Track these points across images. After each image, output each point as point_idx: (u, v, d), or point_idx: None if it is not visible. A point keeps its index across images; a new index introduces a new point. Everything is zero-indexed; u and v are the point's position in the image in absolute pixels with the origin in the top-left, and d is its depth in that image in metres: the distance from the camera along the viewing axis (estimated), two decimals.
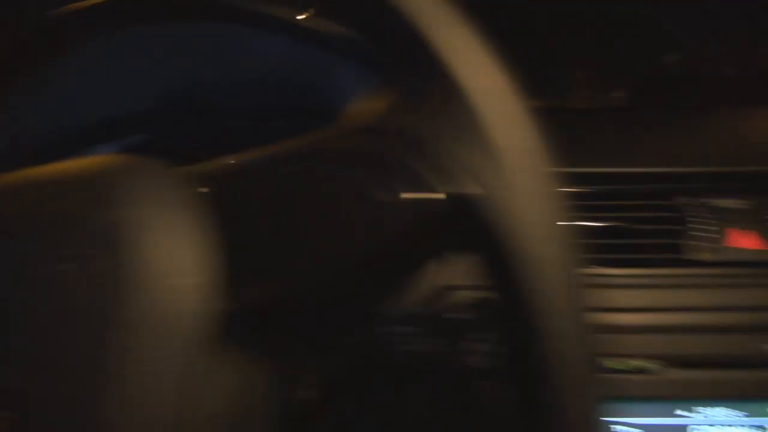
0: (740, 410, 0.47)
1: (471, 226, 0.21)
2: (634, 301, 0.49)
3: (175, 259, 0.21)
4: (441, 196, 0.21)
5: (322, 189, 0.23)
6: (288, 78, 0.65)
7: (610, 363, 0.47)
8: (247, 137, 0.66)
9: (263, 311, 0.22)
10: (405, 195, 0.21)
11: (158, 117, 0.70)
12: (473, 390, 0.34)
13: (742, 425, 0.47)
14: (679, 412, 0.48)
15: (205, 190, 0.23)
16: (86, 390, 0.19)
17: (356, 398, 0.33)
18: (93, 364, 0.20)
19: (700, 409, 0.48)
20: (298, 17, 0.43)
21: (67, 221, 0.21)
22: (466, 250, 0.22)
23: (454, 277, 0.33)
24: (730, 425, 0.47)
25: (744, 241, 0.52)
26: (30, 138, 0.64)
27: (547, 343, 0.20)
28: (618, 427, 0.47)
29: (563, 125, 0.70)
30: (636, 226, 0.52)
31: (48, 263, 0.20)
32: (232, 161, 0.25)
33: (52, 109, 0.64)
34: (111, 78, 0.63)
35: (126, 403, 0.19)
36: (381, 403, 0.36)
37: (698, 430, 0.47)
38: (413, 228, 0.21)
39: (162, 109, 0.69)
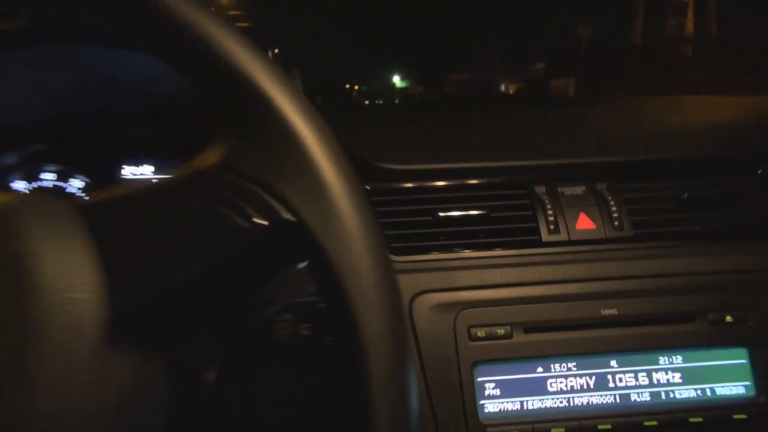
0: (586, 365, 0.56)
1: (291, 244, 0.27)
2: (499, 278, 0.58)
3: (70, 277, 0.26)
4: (265, 222, 0.27)
5: (182, 214, 0.28)
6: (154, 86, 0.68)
7: (480, 332, 0.55)
8: (128, 143, 0.69)
9: (147, 314, 0.28)
10: (241, 222, 0.27)
11: (50, 127, 0.71)
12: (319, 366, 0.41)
13: (589, 375, 0.56)
14: (539, 369, 0.56)
15: (90, 219, 0.28)
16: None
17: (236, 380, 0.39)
18: (9, 368, 0.25)
19: (556, 365, 0.56)
20: None
21: None
22: (295, 261, 0.29)
23: (297, 279, 0.39)
24: (579, 376, 0.56)
25: (588, 222, 0.61)
26: None
27: (362, 327, 0.26)
28: (489, 385, 0.55)
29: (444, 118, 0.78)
30: (500, 214, 0.61)
31: None
32: (108, 194, 0.30)
33: None
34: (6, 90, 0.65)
35: (39, 402, 0.24)
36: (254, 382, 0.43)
37: (554, 381, 0.56)
38: (254, 243, 0.27)
39: (53, 119, 0.71)
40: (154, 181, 0.29)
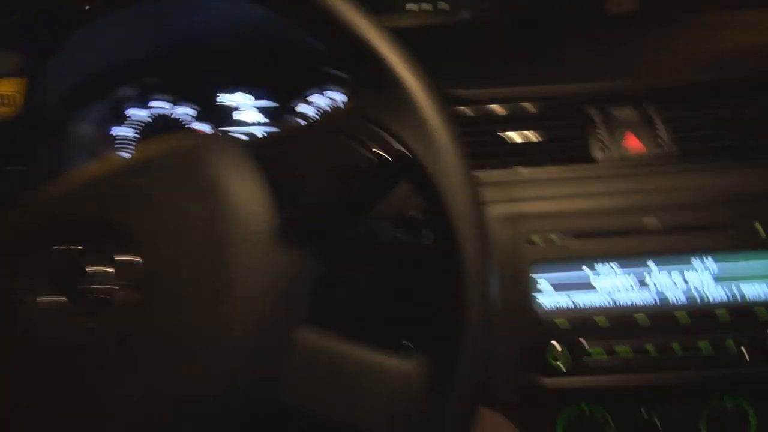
0: (625, 267, 0.66)
1: (401, 169, 0.38)
2: (554, 192, 0.67)
3: (247, 194, 0.37)
4: (383, 153, 0.38)
5: (321, 149, 0.39)
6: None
7: (536, 237, 0.65)
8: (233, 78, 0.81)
9: (302, 221, 0.39)
10: (367, 154, 0.38)
11: (165, 62, 0.83)
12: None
13: (629, 274, 0.66)
14: (585, 268, 0.66)
15: (259, 152, 0.39)
16: (202, 280, 0.36)
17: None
18: (205, 267, 0.36)
19: (601, 265, 0.66)
20: None
21: (177, 176, 0.38)
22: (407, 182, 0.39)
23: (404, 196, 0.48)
24: (621, 275, 0.66)
25: (635, 142, 0.68)
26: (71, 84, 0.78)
27: (459, 231, 0.37)
28: (542, 281, 0.66)
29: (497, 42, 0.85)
30: (555, 133, 0.69)
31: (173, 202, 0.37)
32: (266, 134, 0.41)
33: (86, 58, 0.77)
34: (126, 35, 0.76)
35: (233, 278, 0.36)
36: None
37: (598, 279, 0.66)
38: (375, 171, 0.38)
39: (166, 56, 0.82)
40: (303, 123, 0.40)
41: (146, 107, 0.84)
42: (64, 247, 0.37)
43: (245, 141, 0.40)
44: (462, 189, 0.37)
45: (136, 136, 0.84)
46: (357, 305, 0.55)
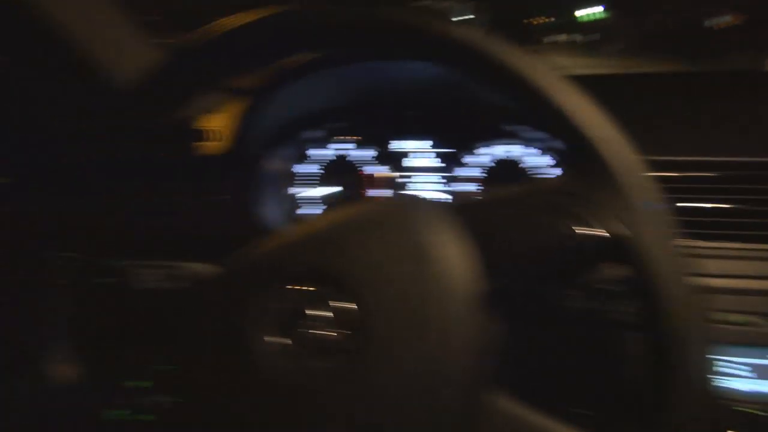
0: None
1: (615, 248, 0.39)
2: (741, 269, 0.63)
3: (456, 259, 0.40)
4: (599, 232, 0.39)
5: (527, 221, 0.41)
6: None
7: (723, 316, 0.62)
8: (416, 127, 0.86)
9: (501, 290, 0.41)
10: (577, 230, 0.40)
11: (351, 110, 0.91)
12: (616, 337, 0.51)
13: None
14: None
15: (464, 217, 0.42)
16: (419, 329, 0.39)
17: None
18: (414, 325, 0.40)
19: None
20: None
21: (392, 236, 0.42)
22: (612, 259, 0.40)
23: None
24: None
25: None
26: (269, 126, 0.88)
27: (667, 305, 0.37)
28: (726, 365, 0.61)
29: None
30: (741, 207, 0.65)
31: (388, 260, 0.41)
32: (472, 200, 0.44)
33: (284, 106, 0.87)
34: (317, 87, 0.85)
35: (434, 351, 0.39)
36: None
37: None
38: (581, 247, 0.39)
39: (354, 105, 0.90)
40: (504, 192, 0.42)
41: (330, 148, 0.92)
42: (291, 287, 0.42)
43: (453, 205, 0.43)
44: (677, 275, 0.37)
45: (316, 173, 0.92)
46: (541, 371, 0.56)
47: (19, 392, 0.58)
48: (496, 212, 0.42)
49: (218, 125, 0.93)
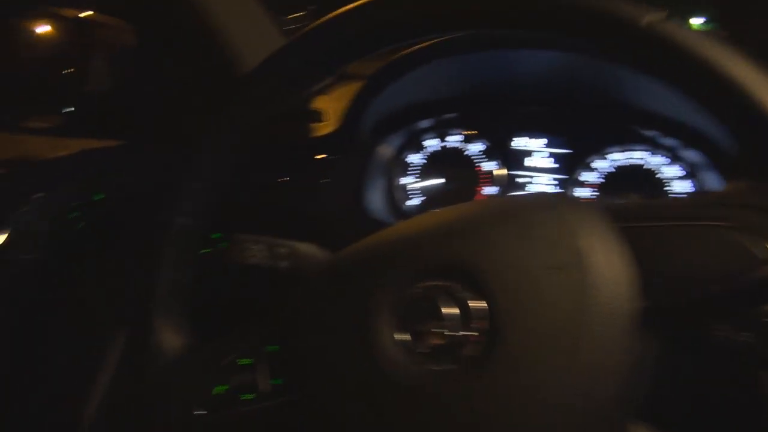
0: None
1: None
2: None
3: (614, 271, 0.35)
4: None
5: (713, 238, 0.35)
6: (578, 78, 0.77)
7: None
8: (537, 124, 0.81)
9: (660, 311, 0.36)
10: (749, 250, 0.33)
11: (466, 102, 0.86)
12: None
13: None
14: None
15: (620, 224, 0.36)
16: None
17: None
18: (556, 337, 0.35)
19: None
20: None
21: (541, 237, 0.37)
22: None
23: None
24: None
25: None
26: (381, 112, 0.85)
27: None
28: None
29: None
30: None
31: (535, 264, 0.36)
32: (634, 210, 0.38)
33: (402, 94, 0.84)
34: (434, 75, 0.81)
35: (576, 370, 0.34)
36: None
37: None
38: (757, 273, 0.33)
39: (469, 97, 0.85)
40: (672, 201, 0.36)
41: (443, 140, 0.88)
42: (420, 280, 0.38)
43: (610, 210, 0.37)
44: None
45: (428, 164, 0.88)
46: (677, 402, 0.50)
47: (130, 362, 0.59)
48: (660, 223, 0.36)
49: (328, 107, 0.91)
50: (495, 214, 0.40)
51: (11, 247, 0.77)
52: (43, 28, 0.82)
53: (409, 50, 0.77)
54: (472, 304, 0.37)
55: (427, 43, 0.77)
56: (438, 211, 0.45)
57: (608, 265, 0.35)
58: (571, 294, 0.35)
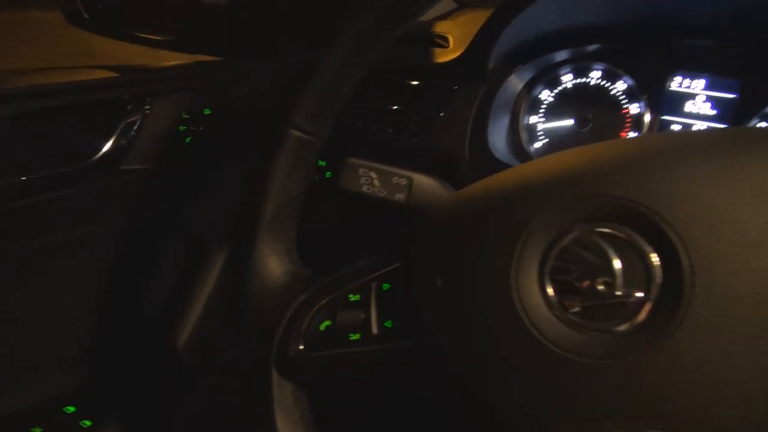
0: None
1: None
2: None
3: None
4: None
5: None
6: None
7: None
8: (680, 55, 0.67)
9: None
10: None
11: (613, 31, 0.74)
12: None
13: None
14: None
15: None
16: None
17: None
18: None
19: None
20: None
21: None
22: None
23: None
24: None
25: None
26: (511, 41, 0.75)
27: None
28: None
29: None
30: None
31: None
32: None
33: (538, 19, 0.73)
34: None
35: None
36: None
37: None
38: None
39: (616, 26, 0.73)
40: None
41: (582, 75, 0.77)
42: (594, 229, 0.30)
43: None
44: None
45: (560, 101, 0.78)
46: None
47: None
48: None
49: (453, 32, 0.82)
50: (693, 148, 0.31)
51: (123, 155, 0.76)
52: None
53: None
54: (654, 259, 0.29)
55: None
56: (602, 144, 0.36)
57: None
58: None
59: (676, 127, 0.71)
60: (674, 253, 0.28)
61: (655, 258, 0.29)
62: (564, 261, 0.31)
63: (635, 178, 0.30)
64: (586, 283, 0.30)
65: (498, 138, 0.77)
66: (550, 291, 0.31)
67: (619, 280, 0.29)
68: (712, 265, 0.27)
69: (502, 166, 0.73)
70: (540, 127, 0.78)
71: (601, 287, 0.30)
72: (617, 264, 0.30)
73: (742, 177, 0.28)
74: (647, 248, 0.29)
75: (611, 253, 0.30)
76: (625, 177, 0.30)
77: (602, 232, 0.30)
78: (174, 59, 0.86)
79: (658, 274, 0.29)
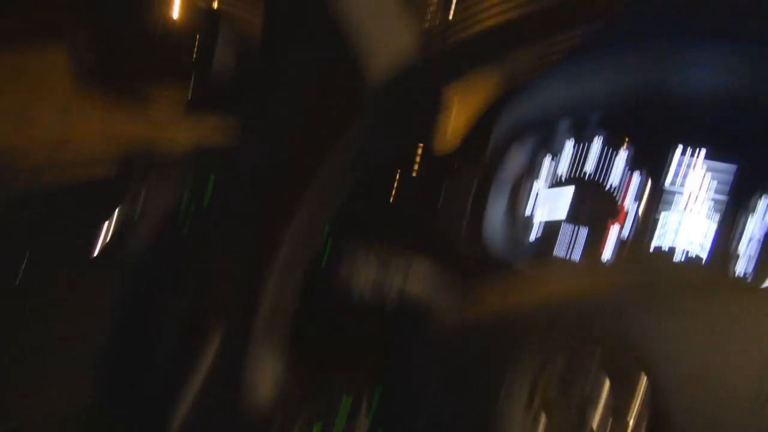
0: None
1: None
2: None
3: None
4: None
5: None
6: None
7: None
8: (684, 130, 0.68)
9: None
10: None
11: (615, 107, 0.75)
12: None
13: None
14: None
15: None
16: None
17: None
18: None
19: None
20: None
21: None
22: None
23: None
24: None
25: None
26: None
27: None
28: None
29: None
30: None
31: None
32: None
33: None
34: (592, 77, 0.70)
35: None
36: None
37: None
38: None
39: (619, 101, 0.74)
40: None
41: (585, 146, 0.77)
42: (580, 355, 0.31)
43: None
44: None
45: (564, 170, 0.78)
46: None
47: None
48: None
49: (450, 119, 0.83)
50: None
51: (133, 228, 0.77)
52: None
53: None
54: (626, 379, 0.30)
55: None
56: (591, 269, 0.37)
57: None
58: None
59: (672, 198, 0.71)
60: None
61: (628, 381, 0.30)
62: (556, 380, 0.32)
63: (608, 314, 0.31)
64: (571, 401, 0.31)
65: (499, 210, 0.78)
66: (539, 410, 0.32)
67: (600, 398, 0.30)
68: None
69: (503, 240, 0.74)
70: (542, 194, 0.79)
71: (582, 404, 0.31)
72: (597, 385, 0.30)
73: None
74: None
75: (590, 376, 0.31)
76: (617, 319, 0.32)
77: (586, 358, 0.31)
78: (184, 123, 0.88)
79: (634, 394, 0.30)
